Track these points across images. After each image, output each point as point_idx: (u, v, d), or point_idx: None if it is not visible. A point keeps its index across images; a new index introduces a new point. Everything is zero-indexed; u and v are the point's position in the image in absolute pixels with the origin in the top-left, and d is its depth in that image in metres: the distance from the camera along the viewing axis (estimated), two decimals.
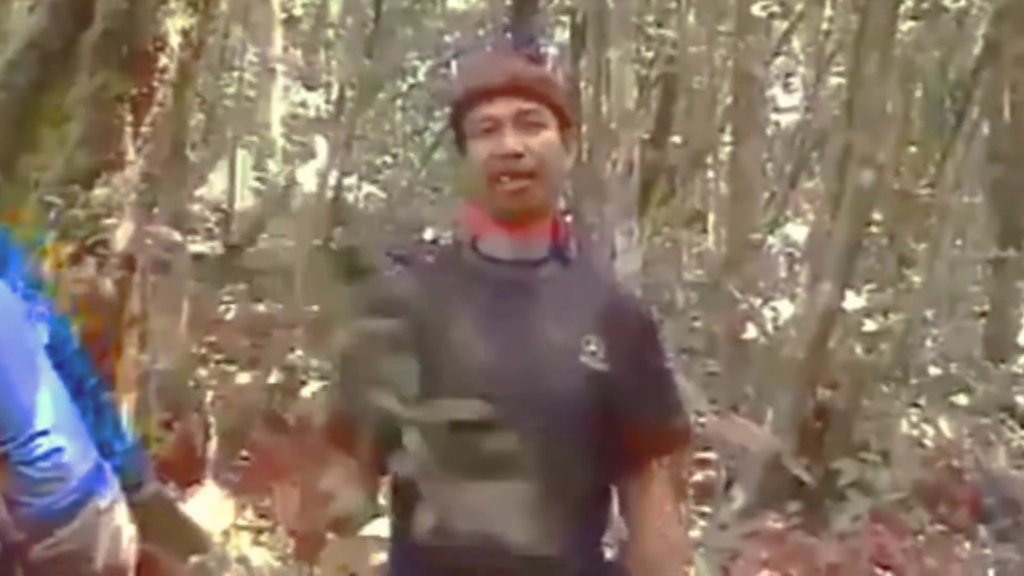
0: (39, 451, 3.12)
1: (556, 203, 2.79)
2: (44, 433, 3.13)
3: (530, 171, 2.64)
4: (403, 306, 2.65)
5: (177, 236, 7.49)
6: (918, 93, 13.57)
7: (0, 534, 3.05)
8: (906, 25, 12.20)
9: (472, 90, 2.73)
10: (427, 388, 2.53)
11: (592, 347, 2.66)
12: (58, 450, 3.14)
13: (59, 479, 3.14)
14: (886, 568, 7.59)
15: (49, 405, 3.17)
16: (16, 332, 3.17)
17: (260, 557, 6.67)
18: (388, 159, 18.15)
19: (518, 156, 2.64)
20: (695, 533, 7.34)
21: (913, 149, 13.00)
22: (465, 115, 2.72)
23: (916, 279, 12.63)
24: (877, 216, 10.82)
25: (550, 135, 2.69)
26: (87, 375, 3.46)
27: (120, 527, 3.29)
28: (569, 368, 2.64)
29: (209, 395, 8.36)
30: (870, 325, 10.32)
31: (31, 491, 3.10)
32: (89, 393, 3.42)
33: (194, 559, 6.26)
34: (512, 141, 2.64)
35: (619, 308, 2.76)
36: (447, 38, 17.36)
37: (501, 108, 2.66)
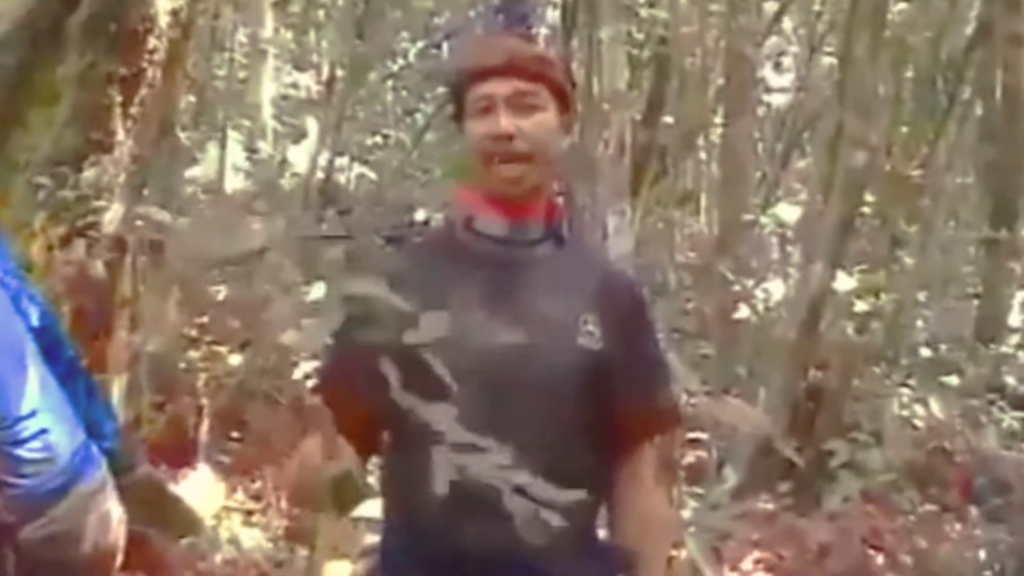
0: (26, 433, 3.12)
1: (551, 184, 2.77)
2: (31, 415, 3.13)
3: (524, 154, 2.63)
4: (395, 283, 2.66)
5: (167, 217, 7.47)
6: (910, 73, 13.53)
7: None
8: (898, 6, 12.19)
9: (470, 68, 2.71)
10: (420, 361, 2.55)
11: (589, 327, 2.65)
12: (45, 431, 3.14)
13: (46, 460, 3.14)
14: (877, 548, 7.61)
15: (35, 388, 3.17)
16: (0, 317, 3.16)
17: (251, 538, 6.67)
18: (379, 140, 18.11)
19: (511, 138, 2.62)
20: (686, 514, 7.34)
21: (905, 130, 12.97)
22: (463, 93, 2.70)
23: (908, 260, 12.63)
24: (869, 197, 10.79)
25: (546, 117, 2.67)
26: (76, 357, 3.46)
27: (109, 509, 3.30)
28: (566, 348, 2.64)
29: (201, 377, 8.35)
30: (861, 306, 10.32)
31: (19, 472, 3.11)
32: (79, 375, 3.42)
33: (185, 540, 6.26)
34: (506, 122, 2.62)
35: (612, 287, 2.75)
36: (437, 19, 17.33)
37: (497, 87, 2.64)
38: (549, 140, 2.67)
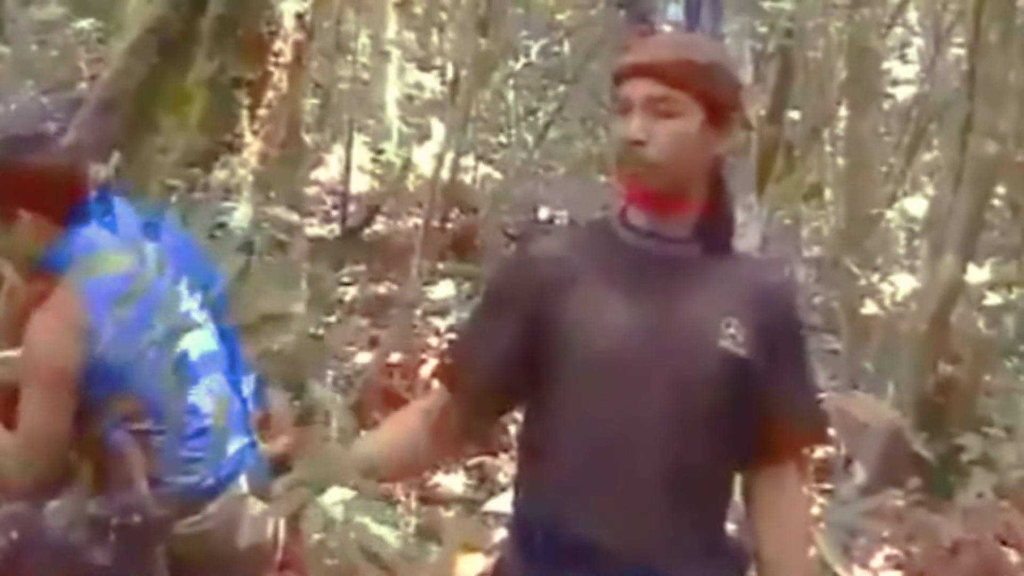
0: (189, 431, 3.15)
1: (692, 189, 2.68)
2: (195, 413, 3.17)
3: (650, 161, 2.60)
4: (540, 263, 2.73)
5: (294, 218, 7.55)
6: None
7: (141, 510, 3.08)
8: None
9: (616, 67, 2.70)
10: (559, 343, 2.61)
11: (732, 331, 2.62)
12: (208, 430, 3.18)
13: (207, 459, 3.18)
14: (1011, 546, 7.48)
15: (206, 385, 3.20)
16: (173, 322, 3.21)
17: (381, 535, 6.70)
18: (503, 139, 18.12)
19: (639, 143, 2.59)
20: (815, 511, 7.28)
21: None
22: (615, 91, 2.71)
23: None
24: (999, 188, 10.62)
25: (682, 124, 2.60)
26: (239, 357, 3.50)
27: (264, 513, 3.31)
28: (705, 348, 2.60)
29: (329, 376, 8.41)
30: (993, 299, 10.17)
31: (177, 470, 3.14)
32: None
33: (316, 537, 6.31)
34: (636, 127, 2.60)
35: (764, 295, 2.71)
36: (559, 16, 17.30)
37: (632, 90, 2.63)
38: (681, 149, 2.61)
